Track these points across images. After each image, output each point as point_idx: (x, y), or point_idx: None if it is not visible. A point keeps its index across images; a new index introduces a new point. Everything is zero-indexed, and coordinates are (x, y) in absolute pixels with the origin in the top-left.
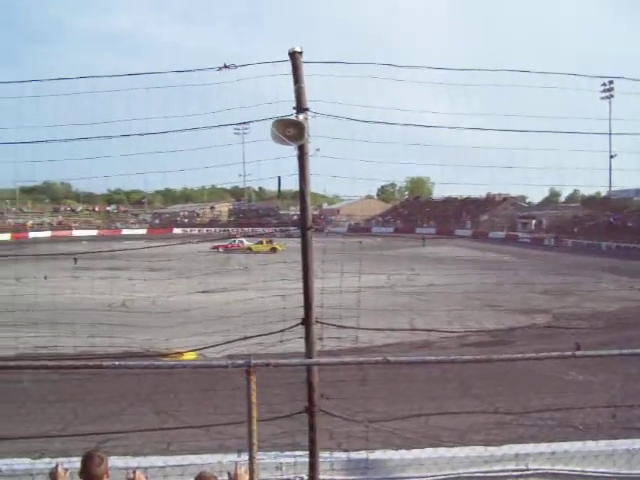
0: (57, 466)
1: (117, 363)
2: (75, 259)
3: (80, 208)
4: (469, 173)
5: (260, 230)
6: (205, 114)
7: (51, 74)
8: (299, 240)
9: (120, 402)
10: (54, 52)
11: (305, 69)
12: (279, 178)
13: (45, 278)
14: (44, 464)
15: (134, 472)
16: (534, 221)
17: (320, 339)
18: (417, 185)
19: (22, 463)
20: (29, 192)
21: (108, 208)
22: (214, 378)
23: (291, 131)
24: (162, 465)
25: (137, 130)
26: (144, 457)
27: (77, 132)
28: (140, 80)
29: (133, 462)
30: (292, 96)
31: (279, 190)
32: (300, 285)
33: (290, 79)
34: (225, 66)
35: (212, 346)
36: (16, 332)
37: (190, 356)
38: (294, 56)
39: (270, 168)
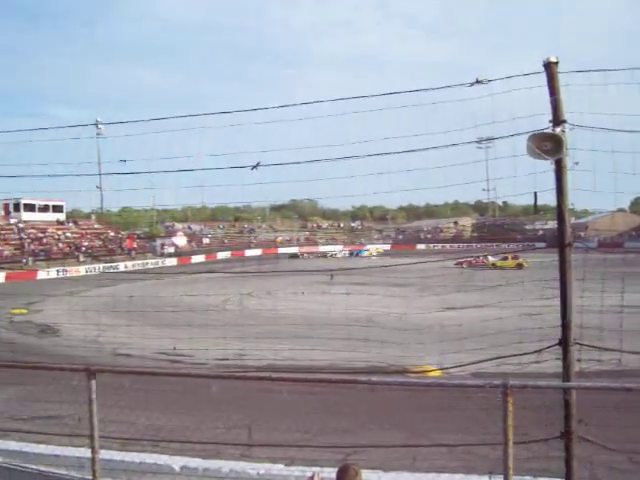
0: (314, 475)
1: (374, 379)
2: (331, 275)
3: (326, 224)
4: None
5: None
6: (448, 132)
7: (297, 98)
8: (545, 255)
9: (365, 415)
10: (302, 75)
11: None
12: (535, 194)
13: (303, 294)
14: (299, 471)
15: None
16: None
17: (579, 361)
18: None
19: (278, 469)
20: (278, 210)
21: (352, 224)
22: (456, 396)
23: (548, 145)
24: None
25: (380, 149)
26: (397, 473)
27: (320, 153)
28: (381, 100)
29: (387, 477)
30: (534, 109)
31: (535, 205)
32: (548, 303)
33: (541, 91)
34: (477, 81)
35: (464, 365)
36: (268, 343)
37: (435, 374)
38: (549, 67)
39: (514, 182)
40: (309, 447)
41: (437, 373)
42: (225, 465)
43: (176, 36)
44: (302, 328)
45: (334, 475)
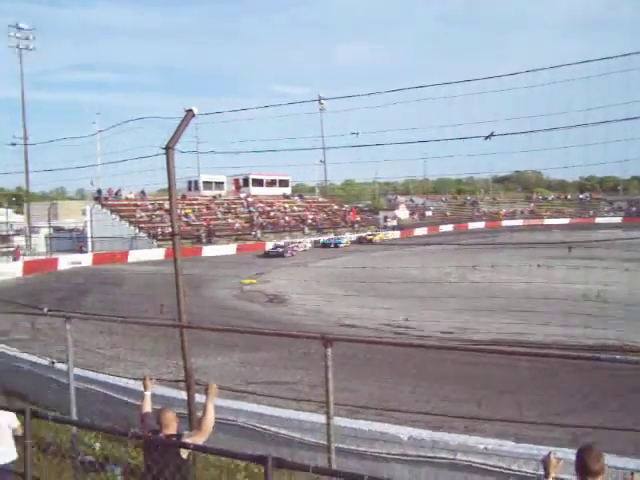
0: (550, 454)
1: (617, 357)
2: (569, 248)
3: (552, 196)
4: None
5: None
6: None
7: (519, 65)
8: None
9: (593, 396)
10: (522, 40)
11: None
12: None
13: (538, 266)
14: (535, 450)
15: (632, 474)
16: None
17: None
18: None
19: (508, 446)
20: (501, 181)
21: (580, 196)
22: None
23: None
24: None
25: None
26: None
27: (550, 122)
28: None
29: (632, 464)
30: None
31: None
32: None
33: None
34: None
35: None
36: (491, 317)
37: None
38: None
39: None
40: (536, 424)
41: None
42: (454, 438)
43: (386, 9)
44: (527, 302)
45: (570, 457)
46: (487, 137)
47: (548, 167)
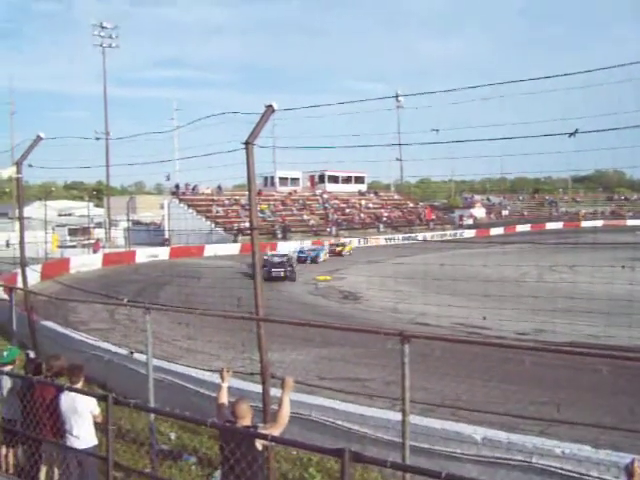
0: (634, 461)
1: None
2: None
3: (635, 197)
4: None
5: None
6: None
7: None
8: None
9: None
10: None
11: None
12: None
13: (622, 267)
14: (615, 457)
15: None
16: None
17: None
18: None
19: (586, 451)
20: (581, 181)
21: None
22: None
23: None
24: None
25: None
26: None
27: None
28: None
29: None
30: None
31: None
32: None
33: None
34: None
35: None
36: (570, 319)
37: None
38: None
39: None
40: (615, 429)
41: None
42: (530, 440)
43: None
44: (609, 304)
45: None
46: (571, 134)
47: (633, 165)
